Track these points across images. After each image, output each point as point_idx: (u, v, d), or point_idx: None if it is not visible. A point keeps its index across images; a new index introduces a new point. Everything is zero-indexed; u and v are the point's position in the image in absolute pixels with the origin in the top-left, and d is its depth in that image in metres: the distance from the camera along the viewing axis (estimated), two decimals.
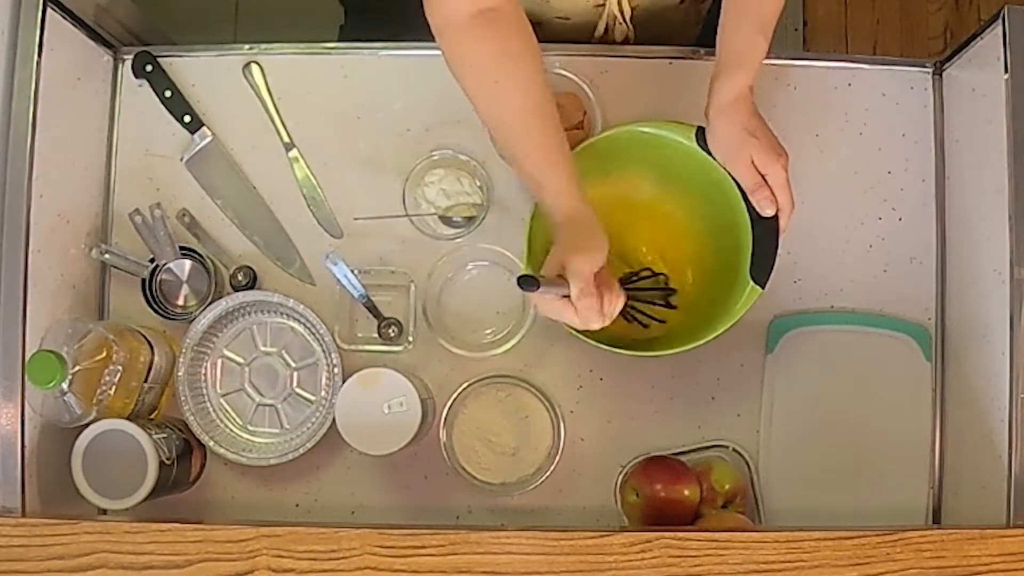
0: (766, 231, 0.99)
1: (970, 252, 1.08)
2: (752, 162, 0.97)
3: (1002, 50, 1.00)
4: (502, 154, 1.11)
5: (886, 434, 1.10)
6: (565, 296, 0.89)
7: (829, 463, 1.10)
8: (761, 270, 0.99)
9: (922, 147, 1.15)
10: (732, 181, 1.00)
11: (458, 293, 1.12)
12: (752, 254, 1.00)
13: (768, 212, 0.98)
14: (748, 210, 1.00)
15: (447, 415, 1.05)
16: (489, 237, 1.11)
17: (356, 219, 1.12)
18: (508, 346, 1.08)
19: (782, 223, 0.99)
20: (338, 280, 1.09)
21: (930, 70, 1.16)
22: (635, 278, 1.12)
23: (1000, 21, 1.01)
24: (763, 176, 0.97)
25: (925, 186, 1.14)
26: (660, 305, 1.11)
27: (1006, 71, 1.00)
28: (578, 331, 0.99)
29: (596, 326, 0.91)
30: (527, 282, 0.85)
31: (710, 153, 1.01)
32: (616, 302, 0.92)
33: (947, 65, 1.14)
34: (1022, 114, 0.99)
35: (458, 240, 1.11)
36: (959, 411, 1.09)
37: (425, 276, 1.10)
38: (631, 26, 1.14)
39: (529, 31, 0.96)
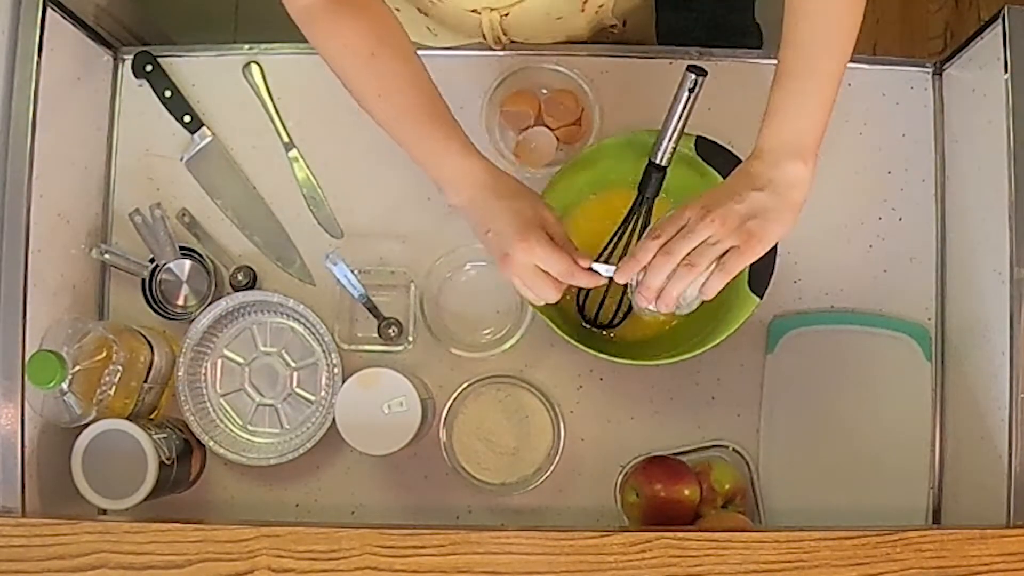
0: None
1: (970, 252, 1.08)
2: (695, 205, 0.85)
3: (1002, 50, 1.00)
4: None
5: (886, 434, 1.10)
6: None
7: (829, 463, 1.10)
8: (759, 281, 0.99)
9: (922, 147, 1.15)
10: None
11: (456, 293, 1.12)
12: (750, 265, 1.00)
13: (619, 279, 0.88)
14: None
15: (447, 415, 1.05)
16: (473, 239, 1.11)
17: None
18: (507, 346, 1.08)
19: (620, 279, 0.88)
20: (338, 280, 1.09)
21: (930, 70, 1.16)
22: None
23: (1000, 21, 1.01)
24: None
25: (925, 186, 1.14)
26: None
27: (1006, 71, 1.00)
28: (577, 340, 1.00)
29: (552, 296, 0.87)
30: None
31: (708, 162, 1.01)
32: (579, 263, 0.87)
33: (947, 65, 1.14)
34: (1022, 114, 0.99)
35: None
36: (959, 411, 1.09)
37: (423, 276, 1.10)
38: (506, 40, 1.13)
39: (386, 9, 0.93)
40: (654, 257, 0.84)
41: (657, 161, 0.96)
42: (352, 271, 1.08)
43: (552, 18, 1.08)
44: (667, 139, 0.94)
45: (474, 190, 0.90)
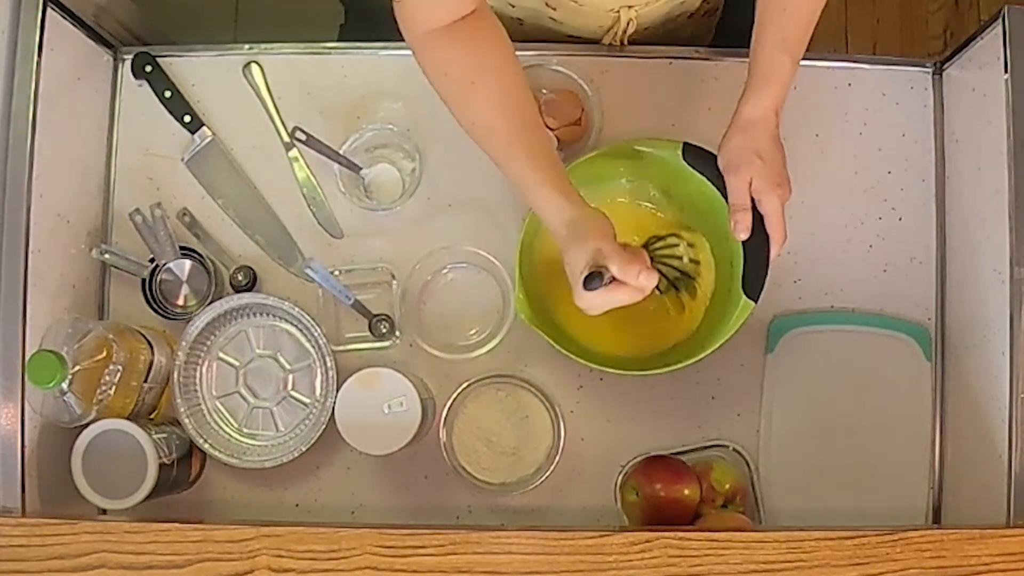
0: (756, 246, 0.99)
1: (970, 252, 1.08)
2: (750, 183, 0.96)
3: (1002, 50, 1.00)
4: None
5: (886, 434, 1.10)
6: (607, 284, 0.88)
7: (829, 463, 1.10)
8: (753, 284, 0.99)
9: (922, 147, 1.15)
10: (721, 195, 1.00)
11: (437, 295, 1.12)
12: (744, 268, 1.00)
13: (740, 236, 0.97)
14: None
15: (447, 415, 1.05)
16: (468, 238, 1.11)
17: None
18: (490, 346, 1.07)
19: (773, 253, 0.98)
20: (320, 284, 1.09)
21: (930, 70, 1.16)
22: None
23: (1000, 21, 1.01)
24: (756, 202, 0.96)
25: (925, 186, 1.14)
26: (680, 272, 1.09)
27: (1006, 71, 1.00)
28: (571, 352, 1.01)
29: (651, 286, 0.89)
30: (593, 280, 0.87)
31: (697, 169, 1.01)
32: (646, 261, 0.91)
33: (947, 65, 1.14)
34: (1022, 114, 0.99)
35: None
36: (959, 411, 1.09)
37: (406, 277, 1.09)
38: (629, 41, 1.14)
39: (504, 37, 0.95)
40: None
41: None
42: (331, 272, 1.08)
43: (674, 12, 1.12)
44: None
45: (556, 229, 0.93)
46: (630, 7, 1.07)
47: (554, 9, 1.10)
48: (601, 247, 0.89)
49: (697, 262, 1.07)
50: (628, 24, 1.10)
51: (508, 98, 0.94)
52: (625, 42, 1.14)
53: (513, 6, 1.12)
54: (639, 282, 0.88)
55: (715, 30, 1.27)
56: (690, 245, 1.07)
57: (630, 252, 0.90)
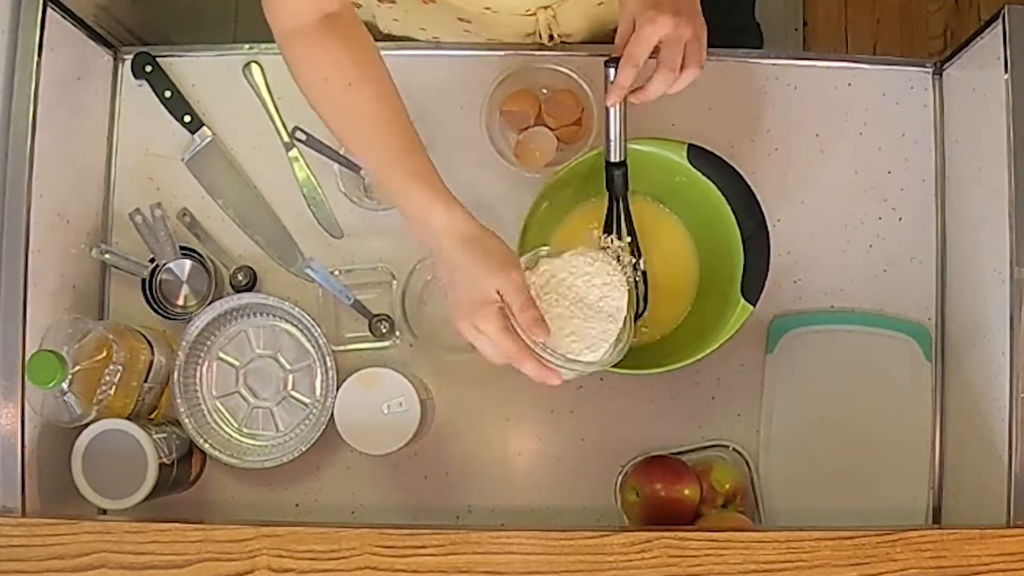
0: (758, 249, 0.99)
1: (970, 252, 1.08)
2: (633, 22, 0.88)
3: (1002, 50, 1.00)
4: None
5: (886, 434, 1.10)
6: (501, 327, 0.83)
7: (829, 463, 1.10)
8: (752, 287, 0.99)
9: (922, 147, 1.15)
10: (724, 198, 1.00)
11: (437, 295, 1.12)
12: (743, 271, 1.00)
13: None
14: (740, 227, 1.00)
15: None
16: None
17: None
18: None
19: (682, 80, 0.89)
20: (320, 284, 1.09)
21: (930, 70, 1.16)
22: None
23: (1000, 21, 1.01)
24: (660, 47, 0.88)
25: (925, 186, 1.14)
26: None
27: (1006, 71, 1.00)
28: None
29: (543, 338, 0.84)
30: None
31: (701, 170, 1.01)
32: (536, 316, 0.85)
33: (947, 65, 1.14)
34: (1022, 114, 0.99)
35: None
36: (959, 411, 1.09)
37: (405, 276, 1.09)
38: (559, 38, 1.13)
39: (369, 37, 0.92)
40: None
41: (612, 159, 0.98)
42: (331, 272, 1.08)
43: (594, 3, 1.09)
44: (612, 138, 0.97)
45: (436, 240, 0.86)
46: (546, 7, 1.06)
47: (468, 23, 1.09)
48: (511, 278, 0.83)
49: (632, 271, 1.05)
50: (548, 27, 1.09)
51: (391, 101, 0.89)
52: (557, 40, 1.13)
53: (424, 29, 1.12)
54: (533, 330, 0.83)
55: None
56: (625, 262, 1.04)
57: (529, 297, 0.85)
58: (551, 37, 1.12)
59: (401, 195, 0.88)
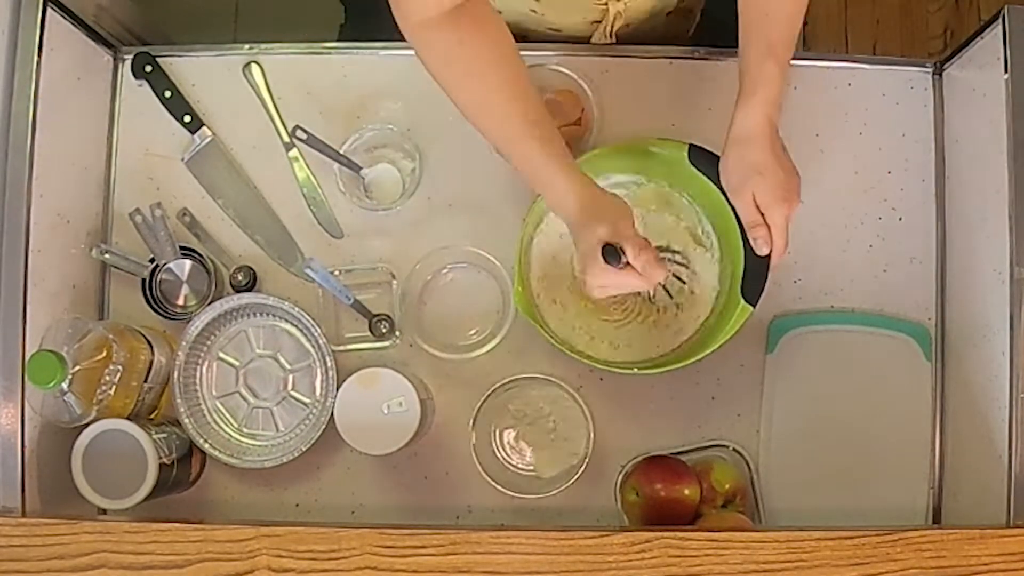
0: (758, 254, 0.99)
1: (970, 252, 1.08)
2: (754, 199, 0.95)
3: (1002, 50, 1.00)
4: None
5: (886, 434, 1.10)
6: (622, 267, 0.91)
7: (829, 463, 1.10)
8: (752, 289, 1.00)
9: (922, 147, 1.15)
10: (724, 198, 1.00)
11: (437, 295, 1.12)
12: (744, 272, 1.00)
13: (761, 251, 0.97)
14: (741, 231, 1.00)
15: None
16: (468, 238, 1.11)
17: None
18: (490, 346, 1.07)
19: (773, 261, 0.98)
20: (320, 284, 1.09)
21: (930, 70, 1.16)
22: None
23: (1000, 21, 1.01)
24: (763, 215, 0.96)
25: (925, 186, 1.14)
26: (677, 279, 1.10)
27: (1006, 71, 1.00)
28: (571, 350, 1.02)
29: (661, 277, 0.92)
30: (612, 254, 0.89)
31: (702, 171, 1.01)
32: (657, 253, 0.93)
33: (947, 65, 1.14)
34: (1022, 114, 0.99)
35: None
36: (959, 411, 1.09)
37: (405, 277, 1.09)
38: (616, 38, 1.14)
39: (503, 24, 0.94)
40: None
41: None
42: (331, 272, 1.08)
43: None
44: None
45: (569, 211, 0.94)
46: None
47: (537, 1, 1.09)
48: (619, 226, 0.91)
49: (683, 281, 1.08)
50: (616, 18, 1.09)
51: (520, 84, 0.94)
52: (615, 38, 1.13)
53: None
54: (649, 271, 0.90)
55: (694, 30, 1.26)
56: (681, 264, 1.08)
57: (644, 240, 0.92)
58: (611, 33, 1.13)
59: (530, 173, 0.95)
